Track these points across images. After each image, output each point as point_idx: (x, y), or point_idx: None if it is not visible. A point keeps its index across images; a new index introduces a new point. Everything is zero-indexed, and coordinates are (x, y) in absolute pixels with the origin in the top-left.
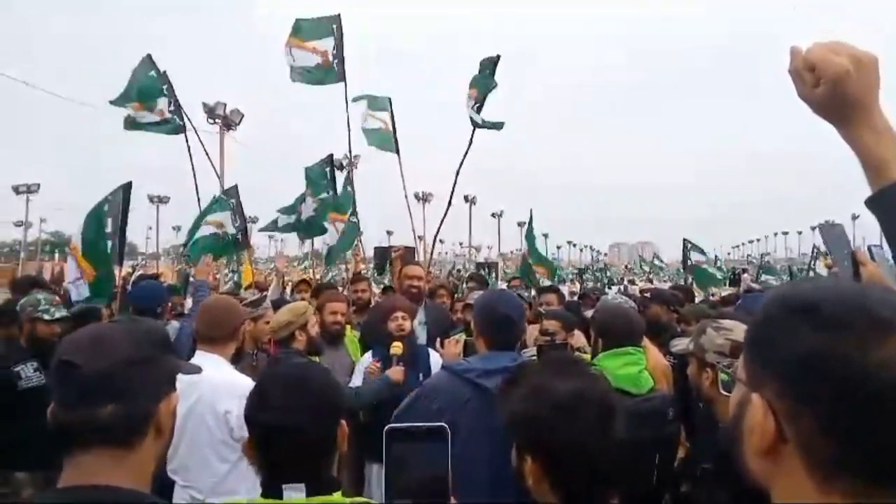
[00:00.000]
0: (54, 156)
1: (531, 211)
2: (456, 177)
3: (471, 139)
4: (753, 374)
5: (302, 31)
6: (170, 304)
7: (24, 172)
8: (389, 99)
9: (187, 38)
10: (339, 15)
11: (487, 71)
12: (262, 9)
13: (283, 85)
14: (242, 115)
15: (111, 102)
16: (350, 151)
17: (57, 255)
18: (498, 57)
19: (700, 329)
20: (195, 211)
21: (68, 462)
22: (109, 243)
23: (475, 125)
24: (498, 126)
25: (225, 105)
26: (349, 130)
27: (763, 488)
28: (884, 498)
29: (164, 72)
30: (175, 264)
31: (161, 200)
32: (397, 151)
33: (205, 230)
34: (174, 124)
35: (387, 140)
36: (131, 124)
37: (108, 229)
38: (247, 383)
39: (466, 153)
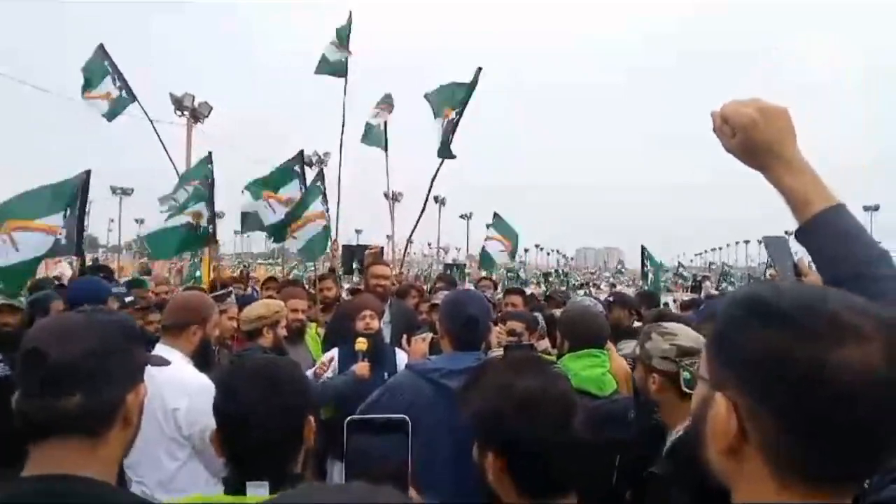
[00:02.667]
0: (13, 144)
1: (496, 213)
2: (429, 190)
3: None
4: (716, 372)
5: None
6: (113, 301)
7: None
8: (389, 95)
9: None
10: (350, 13)
11: (467, 84)
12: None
13: (258, 79)
14: (211, 108)
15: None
16: (341, 147)
17: None
18: (479, 70)
19: (646, 334)
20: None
21: (33, 451)
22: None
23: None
24: (450, 155)
25: (193, 97)
26: (343, 126)
27: (723, 488)
28: (841, 498)
29: (101, 44)
30: (137, 258)
31: (125, 192)
32: (385, 148)
33: (177, 221)
34: (123, 101)
35: (378, 138)
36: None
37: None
38: (197, 380)
39: (438, 170)
